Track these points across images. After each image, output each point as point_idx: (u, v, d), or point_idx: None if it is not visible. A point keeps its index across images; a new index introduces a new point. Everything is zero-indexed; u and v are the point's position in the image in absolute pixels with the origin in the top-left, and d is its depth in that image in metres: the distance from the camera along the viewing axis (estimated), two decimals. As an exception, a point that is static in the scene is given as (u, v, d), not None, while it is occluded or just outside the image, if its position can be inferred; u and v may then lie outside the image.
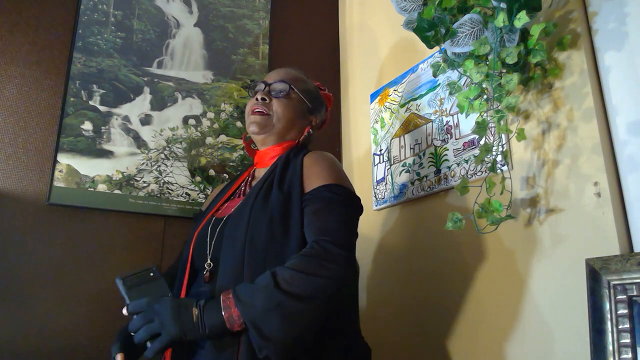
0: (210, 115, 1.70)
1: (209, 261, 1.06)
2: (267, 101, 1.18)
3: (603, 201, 1.00)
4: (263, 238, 0.99)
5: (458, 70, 1.20)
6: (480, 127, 1.11)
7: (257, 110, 1.18)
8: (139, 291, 0.92)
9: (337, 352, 0.97)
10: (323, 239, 0.95)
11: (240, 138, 1.72)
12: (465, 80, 1.26)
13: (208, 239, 1.08)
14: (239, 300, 0.87)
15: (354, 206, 1.08)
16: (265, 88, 1.21)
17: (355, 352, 1.03)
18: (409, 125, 1.56)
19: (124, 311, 0.91)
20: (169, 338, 0.86)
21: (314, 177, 1.06)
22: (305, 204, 1.03)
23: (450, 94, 1.27)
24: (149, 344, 0.87)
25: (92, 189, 1.45)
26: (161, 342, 0.86)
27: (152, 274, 0.94)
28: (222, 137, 1.69)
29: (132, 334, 0.89)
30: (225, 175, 1.66)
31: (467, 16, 1.08)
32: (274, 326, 0.86)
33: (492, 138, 1.23)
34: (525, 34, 1.07)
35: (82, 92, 1.52)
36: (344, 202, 1.04)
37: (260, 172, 1.21)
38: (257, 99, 1.19)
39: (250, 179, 1.23)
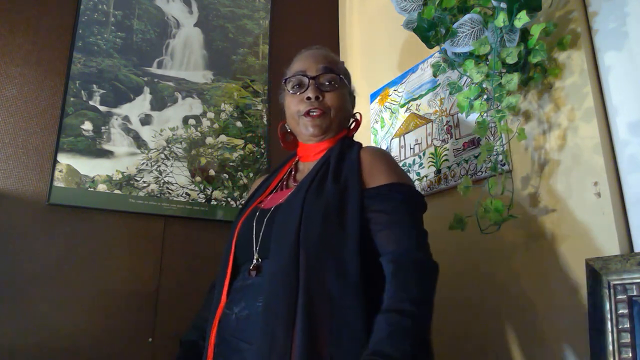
0: (210, 115, 1.70)
1: (256, 255, 0.99)
2: (321, 99, 1.08)
3: (603, 201, 1.00)
4: (317, 233, 0.91)
5: (458, 70, 1.20)
6: (481, 127, 1.11)
7: (314, 112, 1.08)
8: None
9: None
10: (405, 252, 0.92)
11: (241, 138, 1.72)
12: (465, 80, 1.26)
13: (254, 232, 1.01)
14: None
15: (419, 204, 1.03)
16: (310, 82, 1.09)
17: None
18: (409, 125, 1.56)
19: None
20: None
21: (375, 173, 1.00)
22: (369, 201, 0.96)
23: (451, 94, 1.27)
24: None
25: (92, 189, 1.45)
26: None
27: None
28: (222, 137, 1.69)
29: None
30: (225, 175, 1.66)
31: (467, 16, 1.08)
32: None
33: (492, 138, 1.23)
34: (525, 34, 1.07)
35: (82, 92, 1.52)
36: (409, 201, 0.99)
37: (306, 166, 1.12)
38: (308, 98, 1.07)
39: (293, 172, 1.15)
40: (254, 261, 0.99)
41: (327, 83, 1.09)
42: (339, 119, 1.10)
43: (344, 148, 1.07)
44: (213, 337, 0.99)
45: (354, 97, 1.19)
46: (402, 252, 0.92)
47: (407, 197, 0.99)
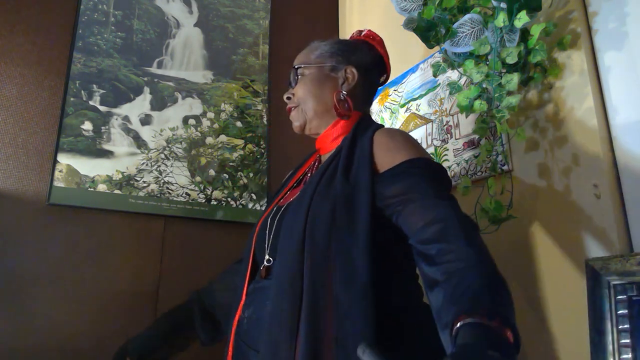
0: (210, 115, 1.70)
1: (267, 255, 0.96)
2: (292, 97, 1.12)
3: (603, 201, 1.00)
4: (324, 229, 0.86)
5: (458, 70, 1.20)
6: (481, 127, 1.12)
7: (289, 109, 1.12)
8: None
9: (413, 329, 0.85)
10: (441, 219, 0.81)
11: (241, 138, 1.72)
12: (465, 80, 1.26)
13: (267, 230, 1.00)
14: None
15: (444, 178, 0.94)
16: (289, 89, 1.15)
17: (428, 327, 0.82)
18: (409, 125, 1.56)
19: None
20: None
21: (392, 153, 0.93)
22: (386, 184, 0.90)
23: (451, 94, 1.27)
24: None
25: (92, 189, 1.45)
26: None
27: None
28: (222, 137, 1.69)
29: None
30: (225, 175, 1.66)
31: (467, 16, 1.08)
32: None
33: (492, 138, 1.23)
34: (525, 34, 1.07)
35: (82, 92, 1.52)
36: (432, 175, 0.90)
37: (325, 157, 1.09)
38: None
39: (316, 164, 1.13)
40: (265, 262, 0.96)
41: (293, 81, 1.13)
42: (312, 107, 1.08)
43: (357, 134, 1.02)
44: (232, 340, 0.97)
45: (345, 69, 1.10)
46: (438, 220, 0.81)
47: (430, 170, 0.90)
